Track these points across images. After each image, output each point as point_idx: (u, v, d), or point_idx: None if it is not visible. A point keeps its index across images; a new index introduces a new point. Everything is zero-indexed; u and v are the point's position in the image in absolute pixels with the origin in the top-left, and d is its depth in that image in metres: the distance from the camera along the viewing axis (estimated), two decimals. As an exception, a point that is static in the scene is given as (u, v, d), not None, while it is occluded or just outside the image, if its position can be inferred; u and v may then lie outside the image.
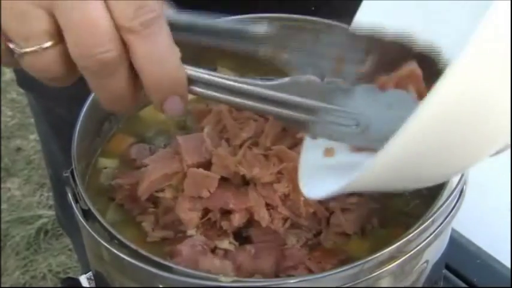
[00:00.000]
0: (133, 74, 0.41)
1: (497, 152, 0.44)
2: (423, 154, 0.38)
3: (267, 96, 0.45)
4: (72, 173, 0.51)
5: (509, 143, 0.42)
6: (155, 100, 0.42)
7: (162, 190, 0.54)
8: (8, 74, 2.08)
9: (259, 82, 0.45)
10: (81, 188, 0.50)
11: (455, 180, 0.51)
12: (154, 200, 0.55)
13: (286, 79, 0.45)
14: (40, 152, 1.85)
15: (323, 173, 0.46)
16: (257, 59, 0.65)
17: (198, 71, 0.44)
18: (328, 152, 0.48)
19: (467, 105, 0.37)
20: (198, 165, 0.53)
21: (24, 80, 0.86)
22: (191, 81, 0.43)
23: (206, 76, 0.44)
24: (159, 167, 0.54)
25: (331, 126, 0.46)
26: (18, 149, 1.91)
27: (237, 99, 0.45)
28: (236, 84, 0.44)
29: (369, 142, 0.45)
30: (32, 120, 1.94)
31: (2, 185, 1.80)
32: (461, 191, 0.51)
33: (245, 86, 0.45)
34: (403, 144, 0.37)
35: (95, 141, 0.60)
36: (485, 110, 0.37)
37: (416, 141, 0.37)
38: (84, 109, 0.56)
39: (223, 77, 0.44)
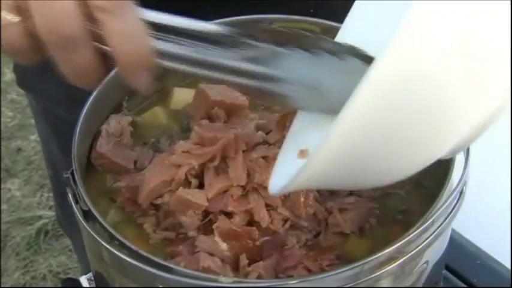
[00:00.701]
0: (98, 49, 0.43)
1: (447, 156, 0.43)
2: (364, 146, 0.38)
3: (237, 69, 0.45)
4: (72, 173, 0.51)
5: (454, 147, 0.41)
6: (126, 75, 0.44)
7: (162, 196, 0.54)
8: (8, 74, 2.08)
9: (230, 53, 0.45)
10: (82, 188, 0.51)
11: (455, 181, 0.51)
12: (154, 203, 0.55)
13: (256, 49, 0.45)
14: (40, 153, 1.85)
15: (290, 171, 0.46)
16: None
17: (167, 45, 0.45)
18: (302, 154, 0.47)
19: (409, 92, 0.36)
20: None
21: (25, 80, 0.86)
22: (161, 55, 0.45)
23: (175, 50, 0.45)
24: (157, 174, 0.54)
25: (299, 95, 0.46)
26: (19, 150, 1.91)
27: (207, 72, 0.45)
28: (206, 57, 0.45)
29: (329, 109, 0.45)
30: (32, 120, 1.94)
31: (2, 186, 1.80)
32: (461, 192, 0.51)
33: (214, 59, 0.45)
34: (339, 135, 0.37)
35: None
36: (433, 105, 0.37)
37: (354, 132, 0.37)
38: (84, 110, 0.56)
39: (192, 50, 0.45)
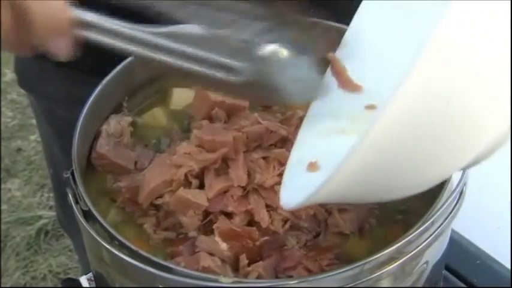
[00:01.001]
0: (17, 13, 0.43)
1: (468, 167, 0.43)
2: (386, 161, 0.37)
3: (156, 44, 0.46)
4: (72, 173, 0.51)
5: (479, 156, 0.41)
6: (41, 39, 0.44)
7: (162, 196, 0.54)
8: (9, 74, 2.08)
9: (152, 29, 0.46)
10: (82, 188, 0.51)
11: (455, 181, 0.51)
12: (155, 204, 0.55)
13: (181, 27, 0.46)
14: (40, 153, 1.85)
15: (305, 184, 0.46)
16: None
17: (88, 15, 0.45)
18: (312, 167, 0.47)
19: (431, 110, 0.36)
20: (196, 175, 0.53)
21: (25, 80, 0.86)
22: (82, 25, 0.45)
23: (96, 20, 0.46)
24: (157, 174, 0.54)
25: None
26: (19, 150, 1.91)
27: (126, 46, 0.46)
28: (126, 30, 0.46)
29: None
30: (33, 121, 1.95)
31: (3, 186, 1.80)
32: (461, 192, 0.51)
33: (133, 32, 0.46)
34: (363, 150, 0.36)
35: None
36: (454, 120, 0.37)
37: (377, 148, 0.36)
38: (85, 110, 0.56)
39: (114, 23, 0.46)
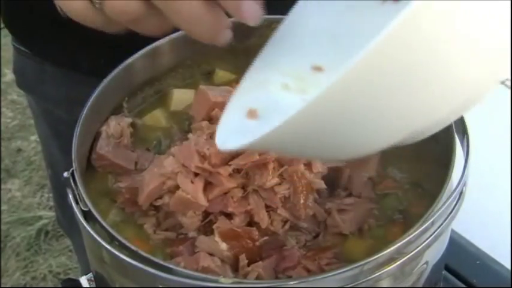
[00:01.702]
0: None
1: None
2: (345, 111, 0.36)
3: None
4: (72, 174, 0.51)
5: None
6: (232, 9, 0.43)
7: (161, 197, 0.54)
8: (9, 75, 2.08)
9: None
10: (82, 189, 0.51)
11: (455, 181, 0.51)
12: (154, 205, 0.55)
13: None
14: (40, 153, 1.85)
15: (242, 130, 0.45)
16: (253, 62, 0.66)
17: None
18: (251, 114, 0.46)
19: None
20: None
21: (24, 81, 0.86)
22: None
23: None
24: (156, 175, 0.54)
25: None
26: (19, 150, 1.91)
27: None
28: None
29: None
30: (33, 121, 1.95)
31: (3, 186, 1.80)
32: (461, 192, 0.51)
33: None
34: (324, 98, 0.35)
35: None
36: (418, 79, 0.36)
37: (340, 96, 0.35)
38: (85, 111, 0.56)
39: None
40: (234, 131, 0.44)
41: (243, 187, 0.53)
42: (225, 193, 0.53)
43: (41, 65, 0.80)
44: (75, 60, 0.76)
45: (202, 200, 0.52)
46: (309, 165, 0.53)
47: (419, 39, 0.35)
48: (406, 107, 0.37)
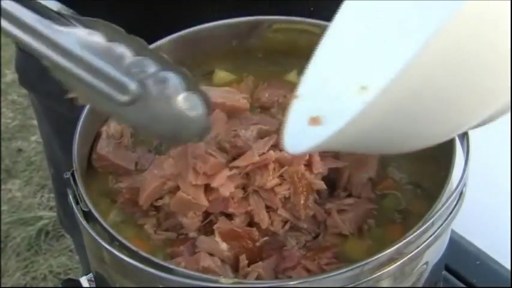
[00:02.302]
0: None
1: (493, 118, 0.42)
2: (409, 108, 0.37)
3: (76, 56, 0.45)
4: (73, 174, 0.51)
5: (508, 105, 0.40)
6: None
7: (162, 197, 0.54)
8: (9, 75, 2.08)
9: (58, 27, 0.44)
10: (82, 189, 0.51)
11: (455, 181, 0.51)
12: (155, 205, 0.55)
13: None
14: (41, 154, 1.85)
15: (308, 134, 0.46)
16: (256, 61, 0.66)
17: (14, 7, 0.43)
18: (314, 121, 0.47)
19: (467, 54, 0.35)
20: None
21: (26, 79, 0.87)
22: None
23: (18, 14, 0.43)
24: (157, 175, 0.54)
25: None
26: (19, 151, 1.91)
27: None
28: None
29: None
30: (33, 121, 1.95)
31: (3, 186, 1.80)
32: (461, 193, 0.51)
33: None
34: (385, 98, 0.36)
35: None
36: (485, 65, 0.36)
37: (404, 94, 0.36)
38: (85, 111, 0.56)
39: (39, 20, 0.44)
40: (300, 136, 0.46)
41: (243, 188, 0.53)
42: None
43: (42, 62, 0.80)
44: None
45: (203, 201, 0.52)
46: (309, 165, 0.53)
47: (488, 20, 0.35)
48: (475, 93, 0.38)
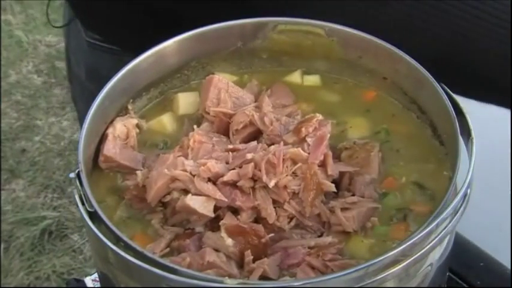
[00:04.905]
0: None
1: None
2: None
3: None
4: (78, 175, 0.52)
5: None
6: None
7: (169, 193, 0.54)
8: (13, 76, 2.08)
9: None
10: (88, 190, 0.51)
11: (459, 183, 0.51)
12: (162, 201, 0.55)
13: None
14: (44, 154, 1.86)
15: None
16: (260, 62, 0.66)
17: None
18: None
19: None
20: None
21: (95, 76, 0.88)
22: None
23: None
24: (163, 172, 0.54)
25: None
26: (23, 151, 1.92)
27: None
28: None
29: None
30: (37, 122, 1.95)
31: (7, 187, 1.81)
32: (466, 195, 0.51)
33: None
34: None
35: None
36: None
37: None
38: (91, 112, 0.56)
39: None
40: None
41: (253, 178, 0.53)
42: (233, 184, 0.53)
43: (118, 56, 0.81)
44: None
45: (208, 211, 0.52)
46: (322, 166, 0.54)
47: None
48: None
